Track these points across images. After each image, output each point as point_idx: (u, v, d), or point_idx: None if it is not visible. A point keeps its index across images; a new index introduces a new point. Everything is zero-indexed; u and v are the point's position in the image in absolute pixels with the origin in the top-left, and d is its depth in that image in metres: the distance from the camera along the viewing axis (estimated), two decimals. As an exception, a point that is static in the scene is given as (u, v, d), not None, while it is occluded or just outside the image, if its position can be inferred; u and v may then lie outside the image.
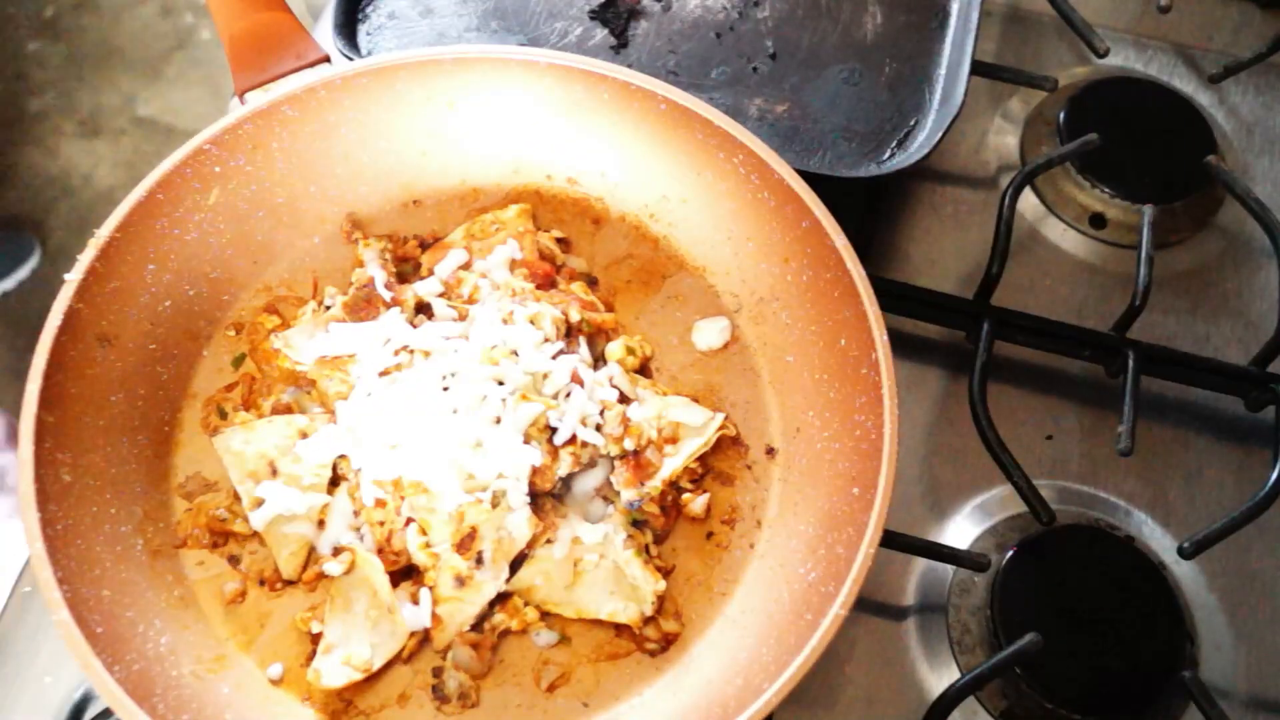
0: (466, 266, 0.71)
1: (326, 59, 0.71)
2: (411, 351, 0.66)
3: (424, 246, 0.73)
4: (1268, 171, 0.89)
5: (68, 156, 2.16)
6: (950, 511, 0.74)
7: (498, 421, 0.63)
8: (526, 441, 0.63)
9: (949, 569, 0.71)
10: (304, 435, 0.65)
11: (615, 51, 0.83)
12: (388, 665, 0.61)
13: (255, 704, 0.59)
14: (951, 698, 0.64)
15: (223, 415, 0.67)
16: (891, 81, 0.83)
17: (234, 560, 0.64)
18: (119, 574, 0.59)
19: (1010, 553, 0.70)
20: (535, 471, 0.63)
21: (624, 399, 0.66)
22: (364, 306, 0.68)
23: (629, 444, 0.65)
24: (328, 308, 0.69)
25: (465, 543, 0.61)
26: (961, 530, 0.73)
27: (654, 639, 0.62)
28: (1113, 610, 0.69)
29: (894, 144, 0.81)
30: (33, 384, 0.59)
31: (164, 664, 0.57)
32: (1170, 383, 0.78)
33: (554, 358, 0.66)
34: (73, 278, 0.62)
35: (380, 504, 0.62)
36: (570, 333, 0.68)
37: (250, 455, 0.64)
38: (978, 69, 0.83)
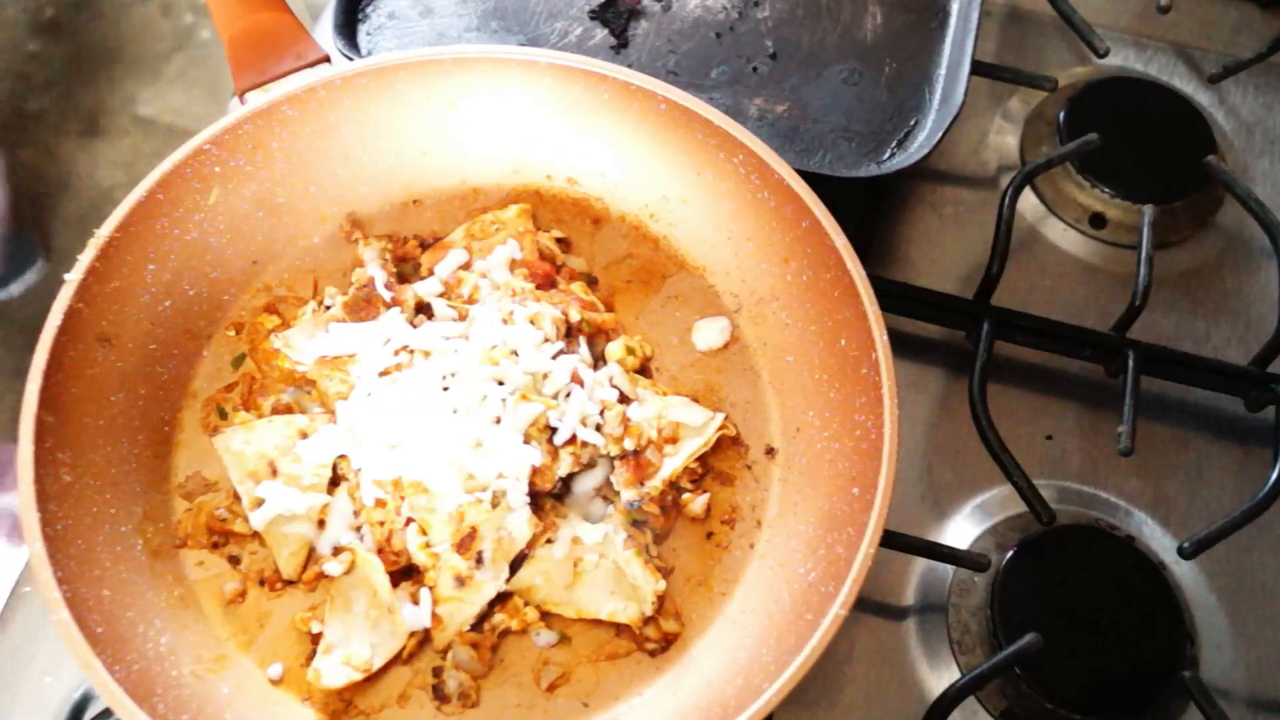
0: (466, 266, 0.71)
1: (326, 59, 0.71)
2: (411, 351, 0.66)
3: (424, 246, 0.73)
4: (1268, 171, 0.89)
5: (68, 156, 2.16)
6: (950, 511, 0.74)
7: (498, 421, 0.63)
8: (526, 441, 0.63)
9: (949, 569, 0.71)
10: (304, 435, 0.65)
11: (615, 51, 0.83)
12: (388, 665, 0.61)
13: (255, 704, 0.59)
14: (951, 698, 0.64)
15: (223, 415, 0.67)
16: (891, 81, 0.83)
17: (234, 560, 0.64)
18: (119, 574, 0.59)
19: (1010, 553, 0.70)
20: (535, 471, 0.63)
21: (624, 399, 0.66)
22: (364, 306, 0.68)
23: (629, 444, 0.65)
24: (328, 308, 0.69)
25: (465, 543, 0.61)
26: (961, 530, 0.73)
27: (654, 639, 0.61)
28: (1113, 610, 0.69)
29: (894, 144, 0.81)
30: (32, 384, 0.59)
31: (164, 664, 0.57)
32: (1170, 383, 0.78)
33: (554, 358, 0.66)
34: (73, 278, 0.62)
35: (380, 504, 0.62)
36: (570, 333, 0.68)
37: (250, 455, 0.64)
38: (978, 69, 0.83)
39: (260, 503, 0.63)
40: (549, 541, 0.63)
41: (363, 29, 0.83)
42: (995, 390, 0.73)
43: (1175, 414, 0.78)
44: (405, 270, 0.72)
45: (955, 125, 0.77)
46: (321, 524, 0.64)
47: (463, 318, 0.68)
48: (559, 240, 0.73)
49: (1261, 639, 0.70)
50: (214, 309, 0.69)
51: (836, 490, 0.61)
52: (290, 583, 0.63)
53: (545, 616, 0.63)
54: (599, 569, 0.62)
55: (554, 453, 0.64)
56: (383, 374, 0.65)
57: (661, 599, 0.62)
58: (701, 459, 0.66)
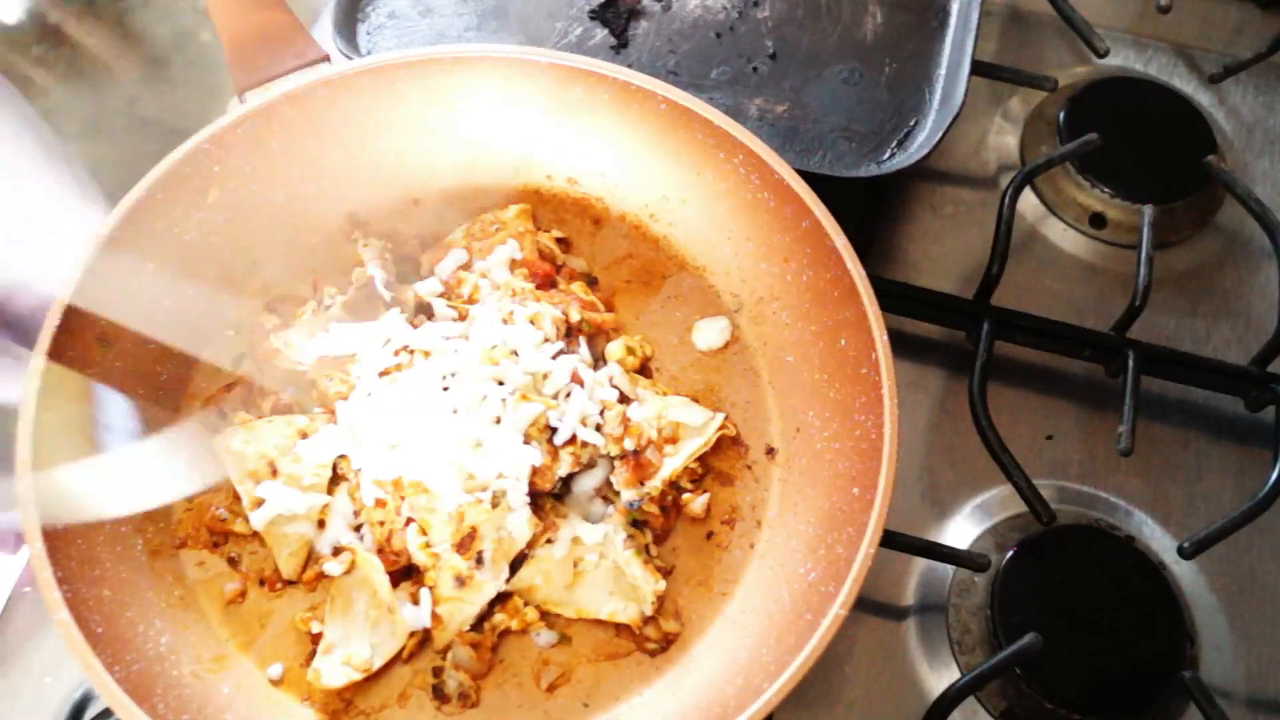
0: (466, 266, 0.71)
1: (326, 58, 0.71)
2: (411, 351, 0.66)
3: (424, 246, 0.73)
4: (1268, 171, 0.89)
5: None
6: (950, 511, 0.74)
7: (498, 421, 0.63)
8: (526, 441, 0.63)
9: (949, 569, 0.71)
10: (304, 435, 0.65)
11: (615, 51, 0.83)
12: (388, 665, 0.61)
13: (255, 704, 0.59)
14: (951, 698, 0.64)
15: (222, 415, 0.67)
16: (891, 81, 0.83)
17: (234, 560, 0.64)
18: (119, 574, 0.59)
19: (1010, 553, 0.70)
20: (535, 471, 0.63)
21: (624, 399, 0.66)
22: (364, 306, 0.68)
23: (629, 444, 0.64)
24: (328, 308, 0.69)
25: (465, 543, 0.61)
26: (961, 530, 0.73)
27: (654, 639, 0.61)
28: (1113, 610, 0.69)
29: (894, 144, 0.81)
30: (31, 384, 0.59)
31: (164, 664, 0.57)
32: (1170, 383, 0.78)
33: (554, 358, 0.66)
34: (72, 278, 0.62)
35: (380, 504, 0.62)
36: (570, 333, 0.68)
37: (250, 455, 0.64)
38: (978, 69, 0.83)
39: (260, 503, 0.63)
40: (549, 541, 0.63)
41: (362, 28, 0.83)
42: (995, 390, 0.73)
43: (1175, 414, 0.78)
44: (405, 270, 0.72)
45: (955, 125, 0.77)
46: (321, 524, 0.64)
47: (463, 318, 0.68)
48: (559, 240, 0.73)
49: (1261, 639, 0.70)
50: (214, 309, 0.69)
51: (836, 490, 0.61)
52: (290, 583, 0.63)
53: (545, 616, 0.63)
54: (599, 569, 0.62)
55: (554, 453, 0.64)
56: (383, 374, 0.65)
57: (661, 599, 0.62)
58: (701, 459, 0.66)
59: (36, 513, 0.56)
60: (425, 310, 0.69)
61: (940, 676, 0.68)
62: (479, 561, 0.61)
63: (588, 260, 0.73)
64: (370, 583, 0.61)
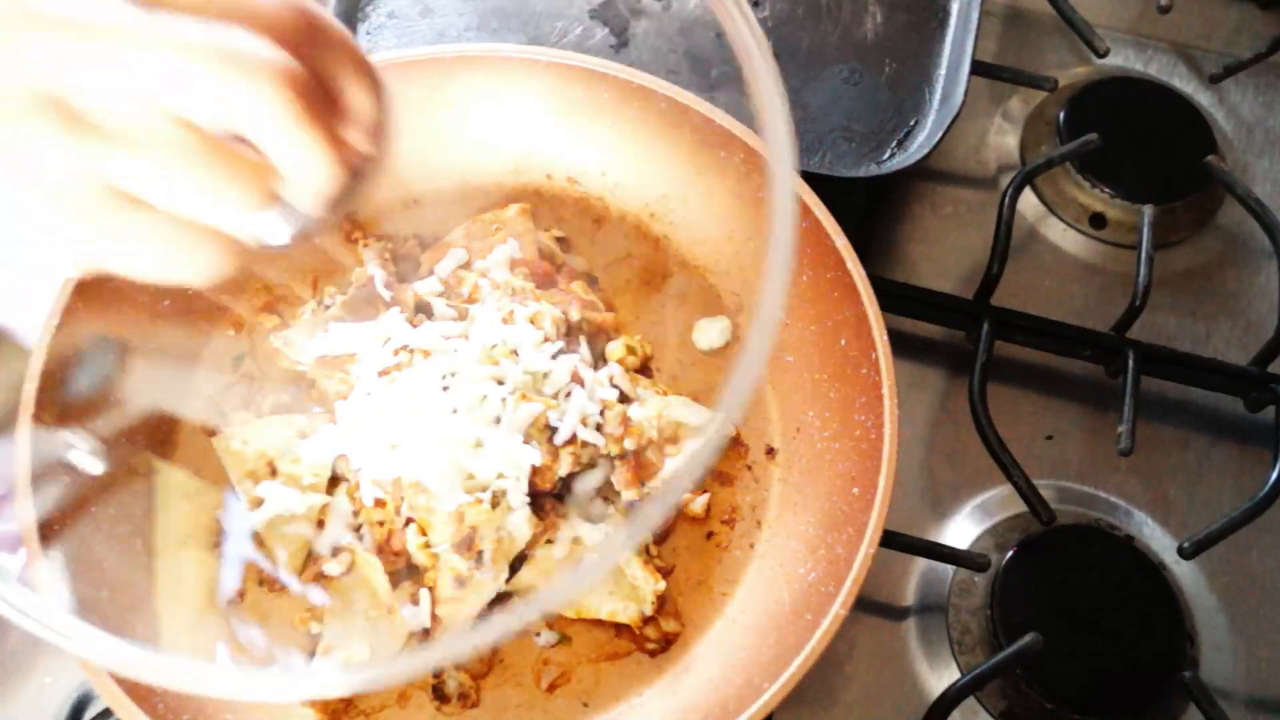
0: (466, 266, 0.71)
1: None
2: (411, 351, 0.65)
3: (424, 246, 0.73)
4: (1268, 171, 0.89)
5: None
6: (950, 511, 0.74)
7: (497, 421, 0.63)
8: (526, 441, 0.63)
9: (949, 569, 0.71)
10: (304, 435, 0.65)
11: (615, 50, 0.83)
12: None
13: (255, 704, 0.59)
14: (951, 698, 0.64)
15: (222, 415, 0.66)
16: (891, 81, 0.84)
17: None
18: (119, 574, 0.59)
19: (1010, 553, 0.70)
20: (535, 471, 0.63)
21: (624, 398, 0.66)
22: (364, 306, 0.68)
23: (629, 444, 0.64)
24: (327, 308, 0.69)
25: (465, 543, 0.61)
26: (961, 530, 0.73)
27: (654, 639, 0.61)
28: (1113, 610, 0.69)
29: (894, 144, 0.81)
30: (30, 384, 0.59)
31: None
32: (1170, 383, 0.78)
33: (554, 357, 0.66)
34: (72, 277, 0.62)
35: (380, 504, 0.62)
36: (570, 332, 0.68)
37: (250, 455, 0.64)
38: (978, 69, 0.83)
39: (260, 503, 0.63)
40: (549, 541, 0.63)
41: (362, 28, 0.83)
42: (995, 390, 0.73)
43: (1175, 414, 0.78)
44: (405, 270, 0.72)
45: (955, 125, 0.77)
46: (321, 524, 0.63)
47: (463, 317, 0.68)
48: (559, 240, 0.73)
49: (1261, 639, 0.70)
50: (214, 309, 0.69)
51: (836, 490, 0.61)
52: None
53: (545, 616, 0.63)
54: (599, 569, 0.62)
55: (554, 453, 0.64)
56: (382, 374, 0.65)
57: (661, 599, 0.62)
58: (702, 459, 0.66)
59: (35, 513, 0.56)
60: (425, 310, 0.69)
61: (940, 676, 0.69)
62: (479, 561, 0.61)
63: (588, 260, 0.73)
64: (370, 583, 0.61)
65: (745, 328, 0.70)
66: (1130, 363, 0.75)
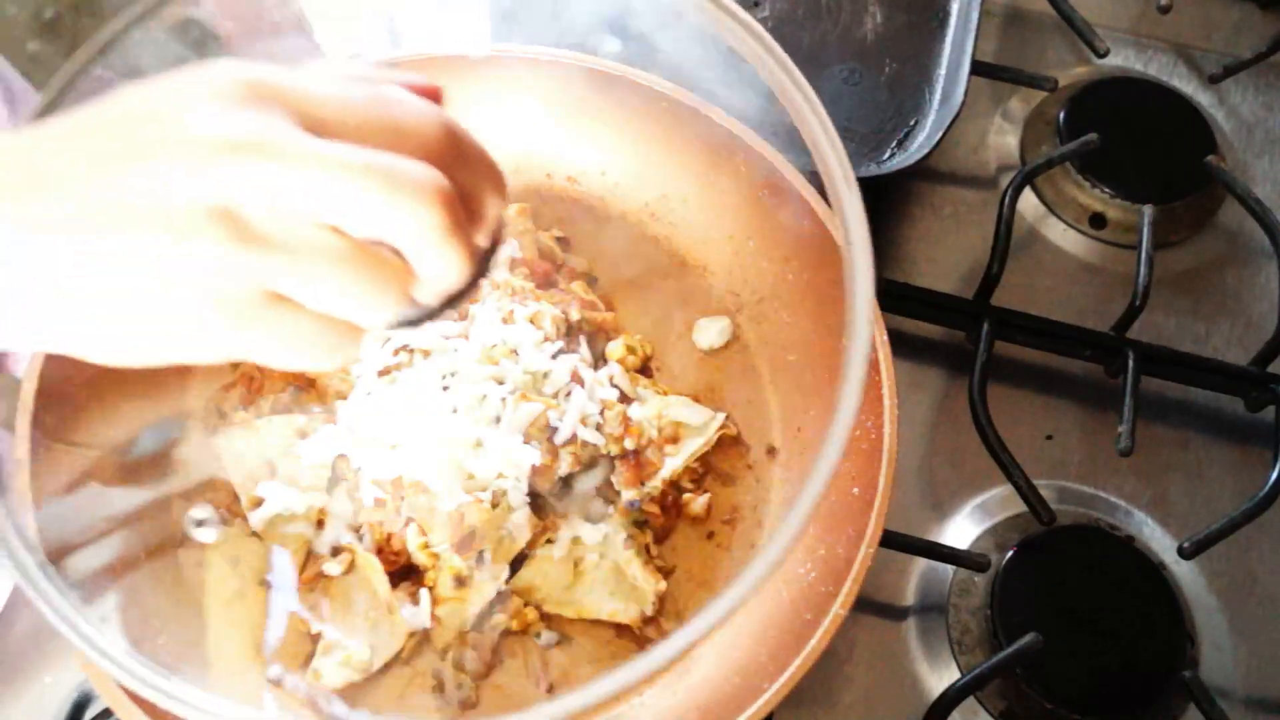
0: (466, 266, 0.71)
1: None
2: (411, 351, 0.65)
3: (424, 246, 0.72)
4: (1268, 171, 0.89)
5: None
6: (950, 511, 0.74)
7: (497, 421, 0.63)
8: (526, 441, 0.63)
9: (949, 569, 0.71)
10: (304, 435, 0.65)
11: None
12: (388, 665, 0.61)
13: (255, 704, 0.59)
14: (951, 698, 0.64)
15: (222, 415, 0.66)
16: (891, 81, 0.84)
17: (234, 560, 0.63)
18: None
19: (1010, 553, 0.70)
20: (535, 471, 0.63)
21: (624, 398, 0.66)
22: (364, 306, 0.68)
23: (629, 444, 0.64)
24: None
25: (465, 543, 0.61)
26: (961, 530, 0.73)
27: (654, 639, 0.61)
28: (1113, 610, 0.69)
29: (894, 144, 0.81)
30: (29, 384, 0.59)
31: (163, 664, 0.57)
32: (1170, 383, 0.78)
33: (554, 357, 0.66)
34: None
35: (380, 504, 0.62)
36: (570, 332, 0.68)
37: (250, 455, 0.64)
38: (978, 69, 0.83)
39: (259, 502, 0.63)
40: (549, 541, 0.63)
41: (362, 28, 0.83)
42: (995, 390, 0.73)
43: (1175, 414, 0.78)
44: (405, 270, 0.71)
45: (955, 125, 0.77)
46: (320, 524, 0.63)
47: (463, 317, 0.68)
48: (559, 240, 0.73)
49: (1261, 639, 0.70)
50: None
51: (837, 490, 0.61)
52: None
53: (545, 616, 0.62)
54: (599, 569, 0.62)
55: (554, 453, 0.64)
56: (382, 374, 0.65)
57: (662, 599, 0.62)
58: (702, 459, 0.66)
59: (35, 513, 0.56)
60: (425, 309, 0.69)
61: (940, 676, 0.68)
62: (479, 561, 0.61)
63: (588, 259, 0.73)
64: (370, 583, 0.61)
65: (745, 327, 0.70)
66: (1130, 363, 0.75)
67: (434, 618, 0.61)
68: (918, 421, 0.76)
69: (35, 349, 0.41)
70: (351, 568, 0.62)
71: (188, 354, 0.40)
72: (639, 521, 0.64)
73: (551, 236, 0.73)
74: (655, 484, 0.64)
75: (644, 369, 0.69)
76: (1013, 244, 0.78)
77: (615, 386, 0.66)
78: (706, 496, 0.65)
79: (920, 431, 0.76)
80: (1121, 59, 0.93)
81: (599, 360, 0.69)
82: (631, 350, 0.68)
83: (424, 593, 0.61)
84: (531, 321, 0.66)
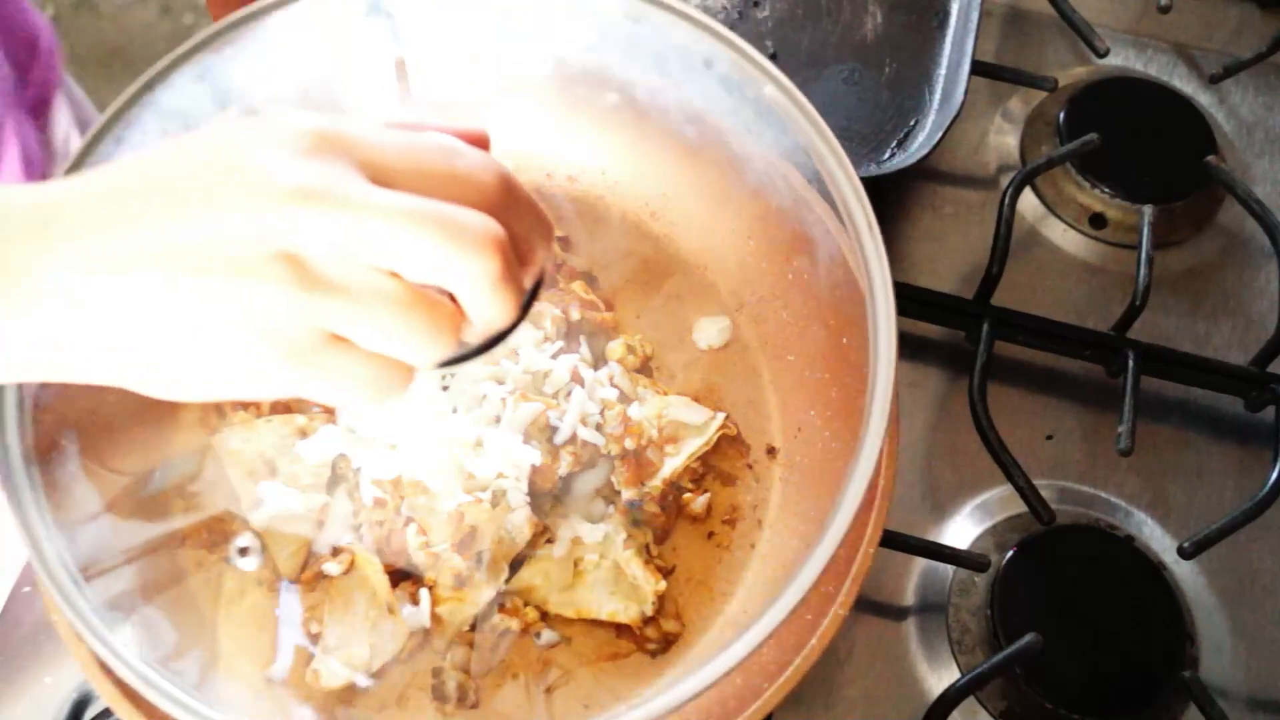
0: (466, 266, 0.71)
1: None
2: (411, 351, 0.65)
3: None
4: (1268, 171, 0.89)
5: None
6: (950, 511, 0.74)
7: (497, 421, 0.63)
8: (526, 441, 0.63)
9: (949, 569, 0.71)
10: (303, 435, 0.65)
11: (615, 51, 0.83)
12: (387, 665, 0.61)
13: (255, 704, 0.59)
14: (951, 698, 0.64)
15: (221, 415, 0.66)
16: (891, 81, 0.84)
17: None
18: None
19: (1010, 553, 0.70)
20: (535, 471, 0.63)
21: (624, 398, 0.66)
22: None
23: (629, 443, 0.64)
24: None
25: (465, 543, 0.61)
26: (961, 530, 0.73)
27: (654, 639, 0.61)
28: (1113, 610, 0.69)
29: (894, 144, 0.81)
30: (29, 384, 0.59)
31: (163, 664, 0.57)
32: (1170, 383, 0.78)
33: (554, 357, 0.66)
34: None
35: (380, 504, 0.62)
36: (570, 332, 0.68)
37: (250, 455, 0.64)
38: (978, 69, 0.83)
39: (260, 502, 0.63)
40: (549, 541, 0.63)
41: (362, 28, 0.83)
42: (995, 390, 0.73)
43: (1175, 414, 0.78)
44: (405, 270, 0.71)
45: (955, 125, 0.77)
46: (321, 524, 0.63)
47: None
48: (559, 239, 0.73)
49: (1261, 639, 0.70)
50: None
51: (837, 490, 0.61)
52: (289, 583, 0.63)
53: (545, 616, 0.62)
54: (599, 569, 0.62)
55: (554, 452, 0.64)
56: (383, 373, 0.65)
57: (662, 599, 0.62)
58: (702, 458, 0.66)
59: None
60: (425, 309, 0.69)
61: (940, 676, 0.68)
62: (479, 561, 0.61)
63: (588, 259, 0.73)
64: (370, 583, 0.61)
65: (745, 327, 0.70)
66: (1130, 363, 0.75)
67: (434, 618, 0.61)
68: (918, 421, 0.77)
69: (94, 381, 0.42)
70: (351, 568, 0.62)
71: (244, 391, 0.41)
72: (639, 521, 0.64)
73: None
74: (655, 484, 0.64)
75: (644, 369, 0.69)
76: (1013, 244, 0.78)
77: (615, 386, 0.66)
78: (706, 496, 0.65)
79: (920, 431, 0.76)
80: (1121, 59, 0.93)
81: (599, 360, 0.69)
82: (631, 350, 0.68)
83: (424, 593, 0.61)
84: (531, 321, 0.66)
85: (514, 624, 0.62)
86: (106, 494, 0.59)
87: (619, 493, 0.64)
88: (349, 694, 0.60)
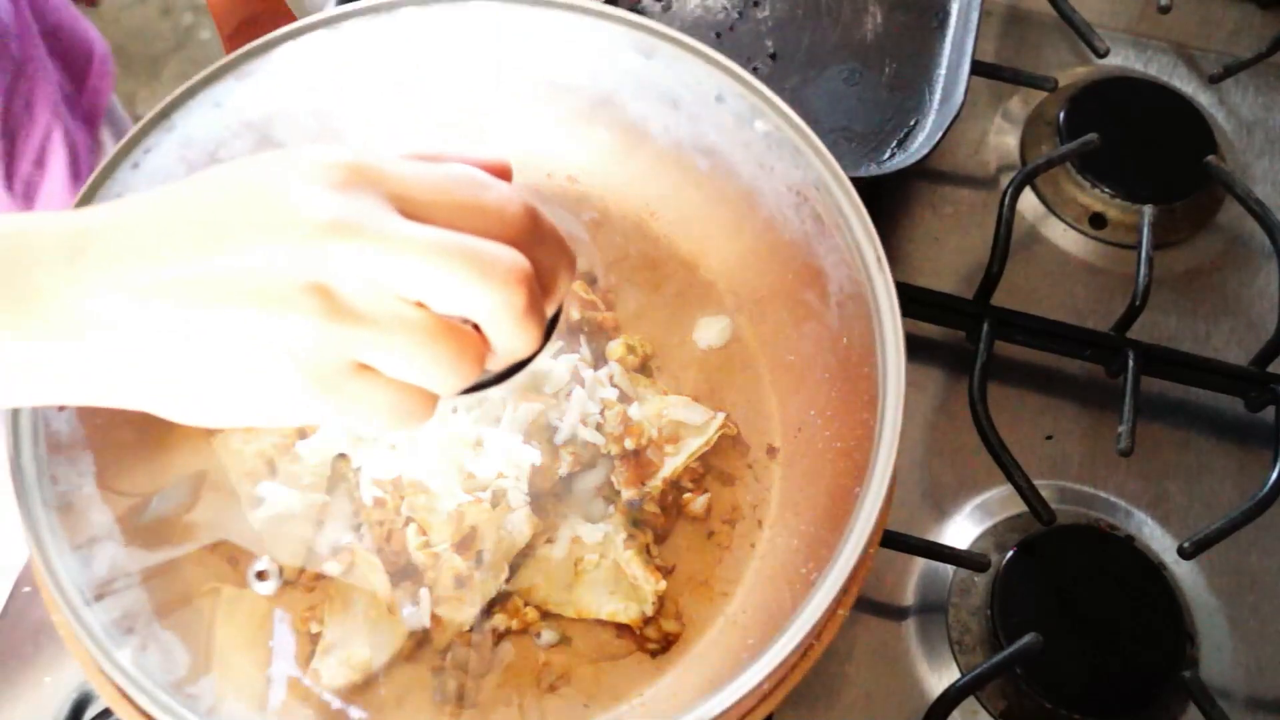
0: (466, 266, 0.71)
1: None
2: (411, 351, 0.65)
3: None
4: (1268, 171, 0.89)
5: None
6: (950, 511, 0.74)
7: (497, 421, 0.63)
8: (526, 441, 0.63)
9: (949, 569, 0.71)
10: (303, 434, 0.65)
11: (615, 51, 0.83)
12: (387, 665, 0.61)
13: (254, 705, 0.59)
14: (951, 698, 0.64)
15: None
16: (891, 81, 0.84)
17: (233, 560, 0.63)
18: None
19: (1010, 553, 0.70)
20: (535, 471, 0.63)
21: (624, 398, 0.66)
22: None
23: (629, 443, 0.64)
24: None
25: (465, 543, 0.61)
26: (961, 530, 0.73)
27: (654, 639, 0.61)
28: (1113, 610, 0.69)
29: (894, 144, 0.81)
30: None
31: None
32: (1170, 383, 0.78)
33: (554, 357, 0.66)
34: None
35: (380, 504, 0.62)
36: (570, 332, 0.68)
37: (249, 455, 0.64)
38: (978, 69, 0.83)
39: (259, 502, 0.63)
40: (549, 541, 0.63)
41: (362, 28, 0.83)
42: (995, 390, 0.73)
43: (1175, 414, 0.78)
44: (405, 270, 0.71)
45: (955, 125, 0.77)
46: (320, 524, 0.63)
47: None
48: (589, 219, 0.72)
49: (1261, 639, 0.70)
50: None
51: (838, 489, 0.61)
52: (289, 583, 0.63)
53: (545, 616, 0.62)
54: (599, 569, 0.62)
55: (554, 452, 0.64)
56: (383, 373, 0.65)
57: (662, 599, 0.62)
58: (702, 458, 0.66)
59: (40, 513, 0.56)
60: (425, 309, 0.69)
61: (940, 676, 0.69)
62: (479, 561, 0.61)
63: (588, 259, 0.73)
64: (370, 583, 0.61)
65: (745, 327, 0.70)
66: (1130, 363, 0.75)
67: (434, 618, 0.61)
68: (918, 421, 0.77)
69: (118, 405, 0.43)
70: (351, 568, 0.62)
71: (269, 418, 0.42)
72: (639, 521, 0.64)
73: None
74: (655, 484, 0.64)
75: (644, 368, 0.69)
76: (1013, 244, 0.78)
77: (615, 386, 0.66)
78: (706, 496, 0.65)
79: (920, 431, 0.76)
80: (1121, 59, 0.93)
81: (599, 360, 0.69)
82: (631, 350, 0.68)
83: (424, 593, 0.61)
84: (531, 321, 0.66)
85: (514, 624, 0.62)
86: (116, 514, 0.59)
87: (619, 493, 0.64)
88: (349, 694, 0.60)
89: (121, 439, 0.60)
